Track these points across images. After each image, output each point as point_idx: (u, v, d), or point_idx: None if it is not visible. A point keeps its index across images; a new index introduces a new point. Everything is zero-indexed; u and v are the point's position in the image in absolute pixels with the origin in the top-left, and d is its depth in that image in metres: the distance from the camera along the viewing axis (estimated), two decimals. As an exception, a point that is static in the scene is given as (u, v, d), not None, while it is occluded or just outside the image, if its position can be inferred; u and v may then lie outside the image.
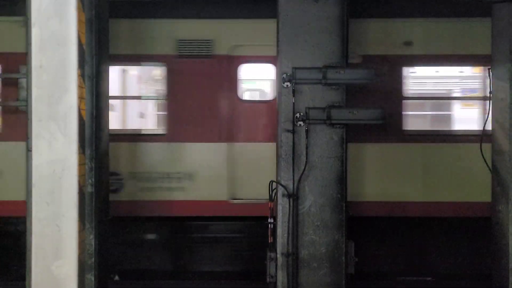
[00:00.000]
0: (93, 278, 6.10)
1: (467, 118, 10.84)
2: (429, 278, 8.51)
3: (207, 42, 8.49)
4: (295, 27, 6.37)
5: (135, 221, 8.57)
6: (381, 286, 8.17)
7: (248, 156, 8.53)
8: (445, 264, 8.58)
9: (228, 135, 8.53)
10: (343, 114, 6.33)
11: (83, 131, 5.57)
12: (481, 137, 6.82)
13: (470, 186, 8.33)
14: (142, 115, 11.60)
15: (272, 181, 6.50)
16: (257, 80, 10.88)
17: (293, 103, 6.32)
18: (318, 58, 6.36)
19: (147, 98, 10.88)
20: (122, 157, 8.48)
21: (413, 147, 8.48)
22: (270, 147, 8.07)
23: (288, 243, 6.33)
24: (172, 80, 8.53)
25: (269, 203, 6.52)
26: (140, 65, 9.35)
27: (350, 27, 6.65)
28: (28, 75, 5.30)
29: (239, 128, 8.58)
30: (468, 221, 8.42)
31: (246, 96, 10.30)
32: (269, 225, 6.52)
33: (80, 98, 5.43)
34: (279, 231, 6.37)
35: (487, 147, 6.79)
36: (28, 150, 5.29)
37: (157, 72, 9.82)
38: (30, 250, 5.26)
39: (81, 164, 5.45)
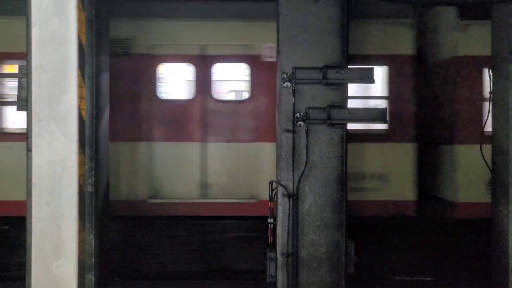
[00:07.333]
0: (93, 278, 6.09)
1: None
2: (428, 278, 8.51)
3: None
4: (295, 27, 6.37)
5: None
6: (381, 286, 8.17)
7: None
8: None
9: None
10: (343, 114, 6.33)
11: (83, 131, 5.57)
12: (480, 137, 6.83)
13: None
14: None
15: (272, 181, 6.50)
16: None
17: (293, 103, 6.32)
18: (318, 58, 6.36)
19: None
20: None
21: None
22: None
23: (288, 243, 6.33)
24: None
25: (269, 203, 6.52)
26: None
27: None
28: (28, 75, 5.31)
29: None
30: None
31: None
32: (269, 225, 6.52)
33: (80, 98, 5.43)
34: (279, 231, 6.37)
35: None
36: (28, 150, 5.29)
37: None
38: (30, 250, 5.26)
39: (81, 164, 5.45)
